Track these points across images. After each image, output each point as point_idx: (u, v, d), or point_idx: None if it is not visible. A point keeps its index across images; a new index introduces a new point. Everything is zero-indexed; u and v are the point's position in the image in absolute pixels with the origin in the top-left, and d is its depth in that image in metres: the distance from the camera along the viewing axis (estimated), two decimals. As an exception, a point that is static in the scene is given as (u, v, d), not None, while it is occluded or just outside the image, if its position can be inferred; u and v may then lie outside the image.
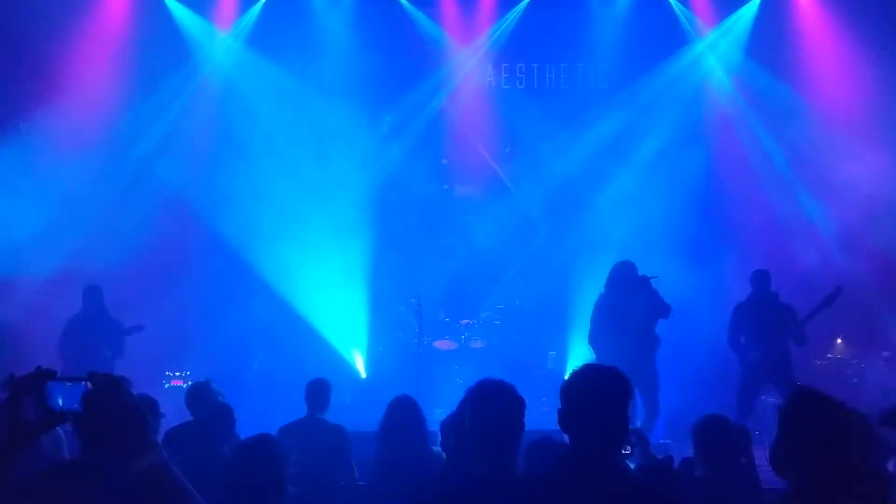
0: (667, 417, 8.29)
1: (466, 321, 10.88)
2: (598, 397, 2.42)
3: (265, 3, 11.11)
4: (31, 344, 8.52)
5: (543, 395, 8.92)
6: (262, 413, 7.12)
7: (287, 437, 5.20)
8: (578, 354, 10.17)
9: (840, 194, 10.38)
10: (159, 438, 4.17)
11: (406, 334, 10.50)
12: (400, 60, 11.30)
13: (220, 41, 11.18)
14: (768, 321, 8.06)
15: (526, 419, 2.94)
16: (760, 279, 8.25)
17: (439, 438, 4.43)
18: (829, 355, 10.22)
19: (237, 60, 11.19)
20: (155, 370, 9.73)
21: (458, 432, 3.43)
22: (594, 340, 8.27)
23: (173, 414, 5.52)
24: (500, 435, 2.85)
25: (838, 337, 10.35)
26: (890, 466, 4.64)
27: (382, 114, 11.61)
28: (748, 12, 11.16)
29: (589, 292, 10.22)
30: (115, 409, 1.65)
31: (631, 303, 8.07)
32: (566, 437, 2.51)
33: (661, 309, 8.16)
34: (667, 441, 7.84)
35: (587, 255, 10.69)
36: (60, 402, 1.67)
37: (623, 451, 4.42)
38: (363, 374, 10.62)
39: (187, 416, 5.47)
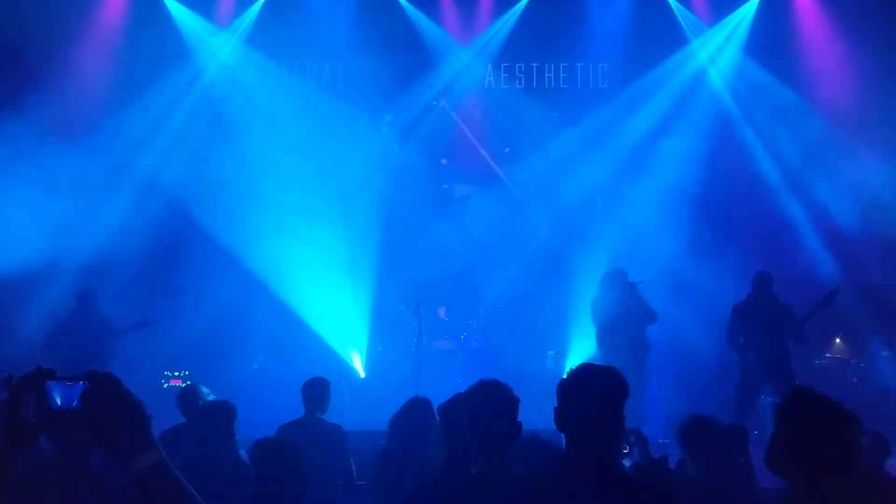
0: (667, 418, 8.30)
1: (466, 321, 10.88)
2: (594, 397, 2.42)
3: (264, 2, 11.12)
4: (27, 342, 8.53)
5: (542, 395, 8.91)
6: (261, 413, 7.12)
7: (285, 436, 5.20)
8: (578, 354, 10.19)
9: (839, 193, 10.41)
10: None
11: (405, 334, 10.50)
12: (399, 60, 11.30)
13: (218, 40, 11.18)
14: (767, 321, 8.07)
15: (526, 419, 2.95)
16: (762, 280, 8.25)
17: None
18: (828, 355, 10.23)
19: (236, 59, 11.20)
20: (154, 370, 9.74)
21: (452, 432, 3.44)
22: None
23: (173, 414, 5.53)
24: (496, 435, 2.86)
25: (837, 336, 10.36)
26: (887, 467, 4.66)
27: (382, 113, 11.61)
28: (747, 12, 11.17)
29: (588, 292, 10.26)
30: (115, 408, 1.65)
31: (622, 308, 8.20)
32: (552, 436, 2.53)
33: (648, 315, 8.30)
34: (666, 441, 7.85)
35: (587, 255, 10.71)
36: (59, 401, 1.67)
37: (623, 451, 4.45)
38: (362, 374, 10.62)
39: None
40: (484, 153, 11.80)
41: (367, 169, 11.21)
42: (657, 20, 11.25)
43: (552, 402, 2.53)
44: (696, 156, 10.97)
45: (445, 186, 11.95)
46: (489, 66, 11.65)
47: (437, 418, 4.51)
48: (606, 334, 8.38)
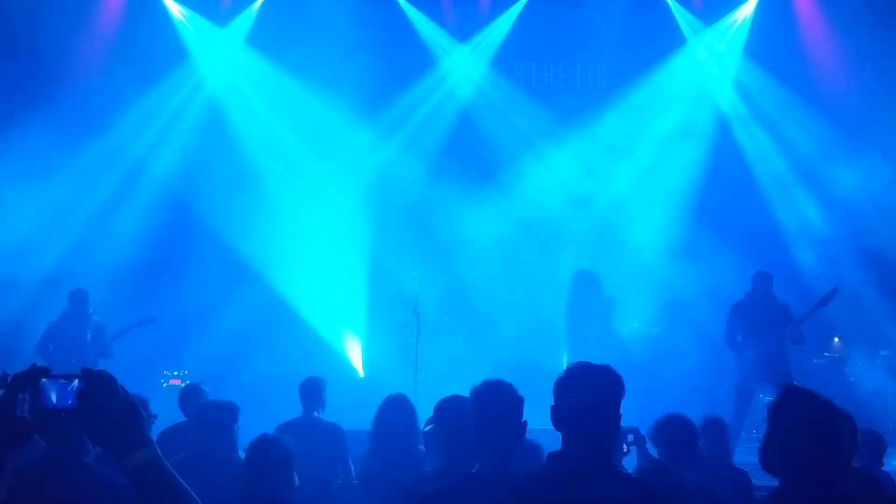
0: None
1: (465, 320, 10.88)
2: (590, 395, 2.43)
3: (263, 1, 11.12)
4: (26, 343, 8.53)
5: (542, 394, 8.92)
6: (260, 412, 7.12)
7: (283, 435, 5.20)
8: (577, 354, 10.18)
9: (838, 193, 10.42)
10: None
11: (404, 333, 10.50)
12: (398, 59, 11.32)
13: (217, 39, 11.18)
14: (765, 320, 8.08)
15: (528, 418, 2.96)
16: (762, 280, 8.26)
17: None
18: (826, 354, 10.24)
19: (235, 59, 11.20)
20: (152, 369, 9.75)
21: (455, 430, 3.45)
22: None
23: (171, 413, 5.54)
24: (500, 434, 2.87)
25: (836, 336, 10.37)
26: (884, 465, 4.67)
27: (380, 112, 11.62)
28: (746, 12, 11.17)
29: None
30: (110, 405, 1.66)
31: (591, 311, 8.61)
32: (547, 436, 2.54)
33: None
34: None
35: (586, 255, 10.72)
36: (54, 398, 1.68)
37: (623, 451, 4.46)
38: (361, 373, 10.63)
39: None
40: (483, 152, 11.79)
41: (365, 168, 11.21)
42: (656, 19, 11.26)
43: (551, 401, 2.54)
44: (695, 155, 10.98)
45: (444, 186, 11.93)
46: (488, 65, 11.65)
47: (433, 414, 4.55)
48: (574, 334, 8.75)
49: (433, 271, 10.54)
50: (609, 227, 11.09)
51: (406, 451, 4.60)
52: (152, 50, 10.65)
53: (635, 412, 4.62)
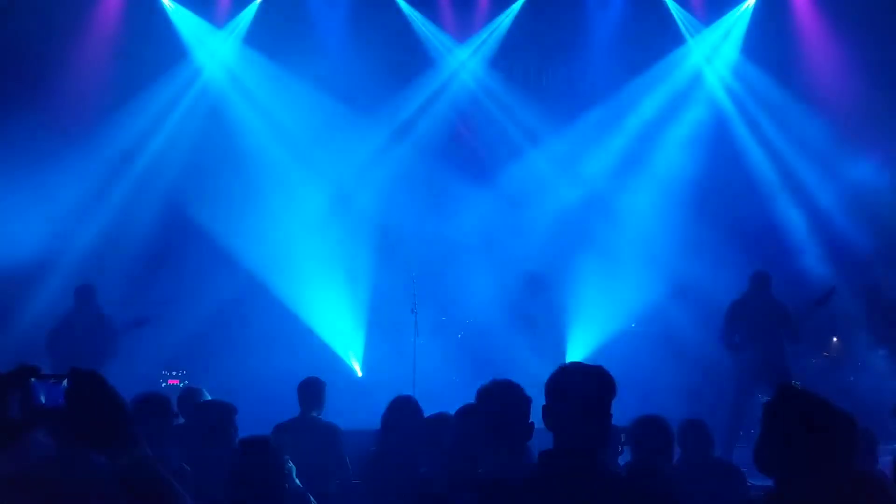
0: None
1: (463, 320, 10.87)
2: (581, 395, 2.43)
3: (261, 2, 11.12)
4: (26, 340, 8.53)
5: (539, 395, 8.93)
6: (258, 412, 7.12)
7: (281, 435, 5.21)
8: (574, 353, 10.20)
9: (836, 193, 10.42)
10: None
11: (403, 334, 10.49)
12: (397, 59, 11.31)
13: (216, 40, 11.18)
14: (763, 320, 8.09)
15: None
16: (760, 280, 8.26)
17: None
18: (824, 354, 10.24)
19: (233, 59, 11.20)
20: (151, 370, 9.74)
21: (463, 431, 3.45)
22: None
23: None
24: (507, 434, 2.86)
25: (834, 336, 10.37)
26: (880, 465, 4.67)
27: (379, 112, 11.61)
28: (744, 12, 11.18)
29: (586, 291, 10.28)
30: (98, 406, 1.66)
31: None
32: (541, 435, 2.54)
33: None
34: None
35: (584, 255, 10.72)
36: (43, 399, 1.68)
37: (617, 451, 4.46)
38: (359, 374, 10.62)
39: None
40: (481, 152, 11.79)
41: (363, 168, 11.21)
42: (654, 19, 11.26)
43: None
44: (693, 155, 10.98)
45: (442, 186, 11.94)
46: (486, 65, 11.65)
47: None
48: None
49: (432, 271, 10.54)
50: (608, 226, 11.09)
51: (412, 453, 4.60)
52: (151, 50, 10.64)
53: (632, 412, 4.64)
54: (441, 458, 3.97)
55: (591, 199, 11.26)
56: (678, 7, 11.30)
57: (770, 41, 11.05)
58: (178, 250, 10.67)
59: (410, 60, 11.47)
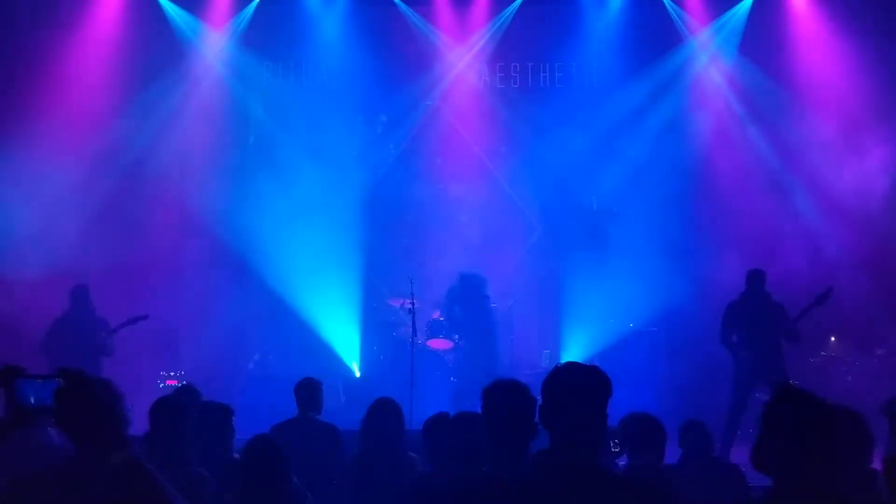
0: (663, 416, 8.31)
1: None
2: (577, 395, 2.44)
3: (258, 4, 11.12)
4: (25, 343, 8.51)
5: (536, 394, 8.93)
6: (257, 413, 7.13)
7: (279, 435, 5.20)
8: (572, 353, 10.21)
9: (834, 193, 10.42)
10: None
11: (400, 333, 10.51)
12: (394, 60, 11.32)
13: (213, 41, 11.17)
14: (760, 319, 8.09)
15: None
16: (755, 279, 8.27)
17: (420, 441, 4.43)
18: (823, 353, 10.25)
19: (231, 60, 11.20)
20: (150, 370, 9.74)
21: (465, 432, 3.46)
22: None
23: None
24: (511, 435, 2.84)
25: (832, 335, 10.38)
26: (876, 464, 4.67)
27: (377, 113, 11.62)
28: (741, 11, 11.19)
29: (583, 291, 10.28)
30: (86, 406, 1.66)
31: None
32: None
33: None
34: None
35: (582, 254, 10.73)
36: (32, 400, 1.68)
37: (613, 450, 4.47)
38: (357, 374, 10.62)
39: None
40: (479, 153, 11.80)
41: (362, 169, 11.22)
42: (651, 19, 11.27)
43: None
44: (691, 155, 10.99)
45: (440, 186, 11.95)
46: (484, 65, 11.65)
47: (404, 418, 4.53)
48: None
49: (431, 271, 10.55)
50: (604, 226, 11.10)
51: (394, 454, 4.61)
52: (149, 52, 10.64)
53: (628, 410, 4.65)
54: (440, 459, 3.97)
55: (588, 198, 11.27)
56: (676, 6, 11.31)
57: (767, 40, 11.06)
58: (177, 251, 10.66)
59: (408, 61, 11.46)
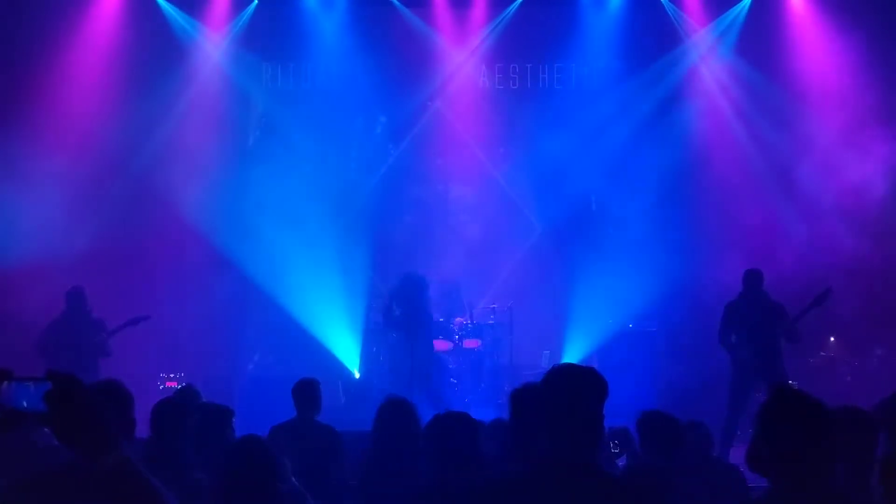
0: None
1: (461, 321, 10.88)
2: (573, 396, 2.44)
3: (258, 5, 11.12)
4: (25, 344, 8.51)
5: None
6: (256, 414, 7.13)
7: (277, 437, 5.21)
8: (572, 353, 10.22)
9: (833, 192, 10.43)
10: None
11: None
12: (394, 61, 11.32)
13: (213, 43, 11.18)
14: (759, 319, 8.09)
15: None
16: (752, 279, 8.27)
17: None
18: (822, 353, 10.26)
19: (230, 62, 11.20)
20: (150, 371, 9.74)
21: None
22: None
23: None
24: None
25: (831, 335, 10.38)
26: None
27: (376, 115, 11.62)
28: (739, 12, 11.20)
29: (583, 291, 10.29)
30: (77, 408, 1.66)
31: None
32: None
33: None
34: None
35: (581, 254, 10.74)
36: (25, 403, 1.68)
37: (613, 451, 4.48)
38: (357, 375, 10.63)
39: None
40: (478, 153, 11.81)
41: (361, 170, 11.22)
42: (649, 20, 11.28)
43: None
44: (690, 155, 10.99)
45: (440, 187, 11.96)
46: (483, 66, 11.66)
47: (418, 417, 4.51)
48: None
49: (431, 272, 10.55)
50: (603, 226, 11.11)
51: (407, 454, 4.59)
52: (148, 53, 10.64)
53: (631, 412, 4.65)
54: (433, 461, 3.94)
55: (587, 197, 11.28)
56: (674, 7, 11.31)
57: (765, 41, 11.06)
58: (177, 253, 10.66)
59: (407, 62, 11.46)
